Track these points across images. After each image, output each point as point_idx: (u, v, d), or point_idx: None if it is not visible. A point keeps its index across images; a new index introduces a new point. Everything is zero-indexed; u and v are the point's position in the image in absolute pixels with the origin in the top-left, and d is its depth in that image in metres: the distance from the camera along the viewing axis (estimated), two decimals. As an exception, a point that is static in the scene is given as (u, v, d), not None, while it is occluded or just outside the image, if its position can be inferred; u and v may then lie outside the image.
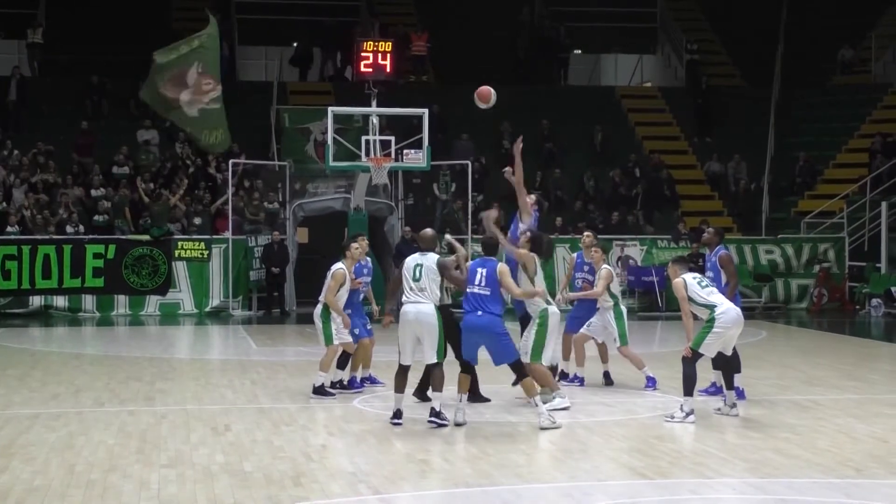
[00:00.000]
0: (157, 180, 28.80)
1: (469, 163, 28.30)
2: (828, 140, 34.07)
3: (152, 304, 26.53)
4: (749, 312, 28.20)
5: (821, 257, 29.32)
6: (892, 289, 27.36)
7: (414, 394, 13.83)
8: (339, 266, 14.54)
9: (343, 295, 14.49)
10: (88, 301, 26.40)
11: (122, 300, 26.38)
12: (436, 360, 12.48)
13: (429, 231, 13.10)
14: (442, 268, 12.69)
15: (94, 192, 28.48)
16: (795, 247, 29.61)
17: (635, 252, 28.70)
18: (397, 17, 37.15)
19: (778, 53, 35.39)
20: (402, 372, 12.56)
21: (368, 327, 15.13)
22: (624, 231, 29.75)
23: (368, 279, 15.22)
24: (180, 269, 26.47)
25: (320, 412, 13.81)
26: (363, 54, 29.15)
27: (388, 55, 29.29)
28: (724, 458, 11.12)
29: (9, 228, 26.82)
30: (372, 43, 29.40)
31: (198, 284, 26.67)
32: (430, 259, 12.68)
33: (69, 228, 27.06)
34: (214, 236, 27.29)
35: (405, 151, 24.39)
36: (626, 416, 13.47)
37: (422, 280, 12.49)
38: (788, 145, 33.82)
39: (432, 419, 12.53)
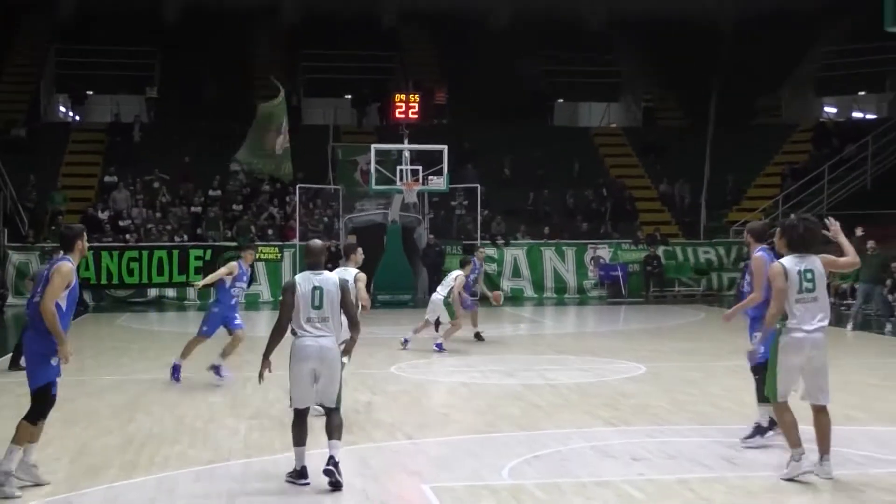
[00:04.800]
0: (244, 202, 28.86)
1: (478, 185, 28.28)
2: (750, 167, 33.91)
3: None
4: (691, 298, 28.38)
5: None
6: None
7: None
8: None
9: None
10: (191, 292, 26.47)
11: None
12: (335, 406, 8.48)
13: (318, 242, 8.27)
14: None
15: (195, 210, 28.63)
16: (726, 248, 29.52)
17: (605, 253, 28.66)
18: (422, 72, 37.08)
19: (712, 101, 35.25)
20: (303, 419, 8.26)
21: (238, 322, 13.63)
22: (596, 236, 29.70)
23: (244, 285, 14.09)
24: (260, 268, 26.51)
25: (366, 377, 13.83)
26: (397, 104, 29.25)
27: (417, 104, 29.35)
28: (673, 411, 11.12)
29: (127, 236, 27.03)
30: (404, 95, 29.54)
31: (273, 279, 26.69)
32: (329, 281, 8.07)
33: (177, 237, 27.20)
34: (285, 242, 27.36)
35: (429, 177, 24.43)
36: (598, 379, 13.46)
37: (324, 308, 8.03)
38: (720, 171, 33.68)
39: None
